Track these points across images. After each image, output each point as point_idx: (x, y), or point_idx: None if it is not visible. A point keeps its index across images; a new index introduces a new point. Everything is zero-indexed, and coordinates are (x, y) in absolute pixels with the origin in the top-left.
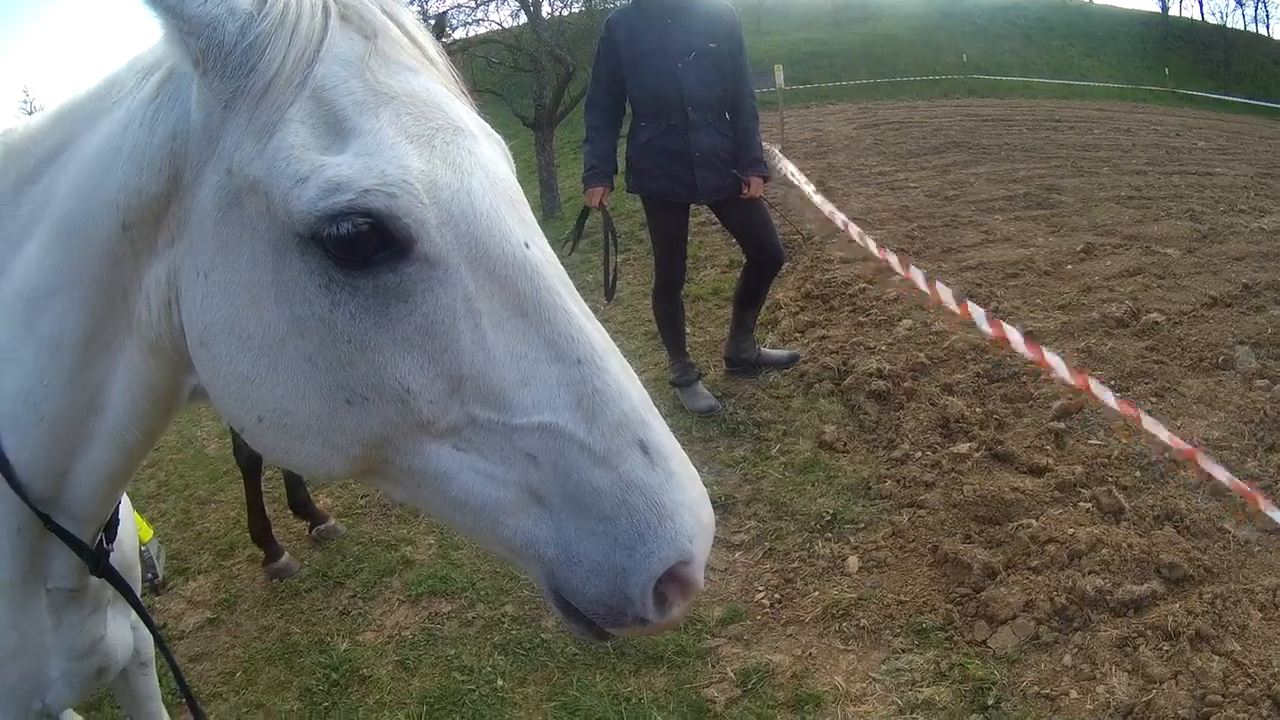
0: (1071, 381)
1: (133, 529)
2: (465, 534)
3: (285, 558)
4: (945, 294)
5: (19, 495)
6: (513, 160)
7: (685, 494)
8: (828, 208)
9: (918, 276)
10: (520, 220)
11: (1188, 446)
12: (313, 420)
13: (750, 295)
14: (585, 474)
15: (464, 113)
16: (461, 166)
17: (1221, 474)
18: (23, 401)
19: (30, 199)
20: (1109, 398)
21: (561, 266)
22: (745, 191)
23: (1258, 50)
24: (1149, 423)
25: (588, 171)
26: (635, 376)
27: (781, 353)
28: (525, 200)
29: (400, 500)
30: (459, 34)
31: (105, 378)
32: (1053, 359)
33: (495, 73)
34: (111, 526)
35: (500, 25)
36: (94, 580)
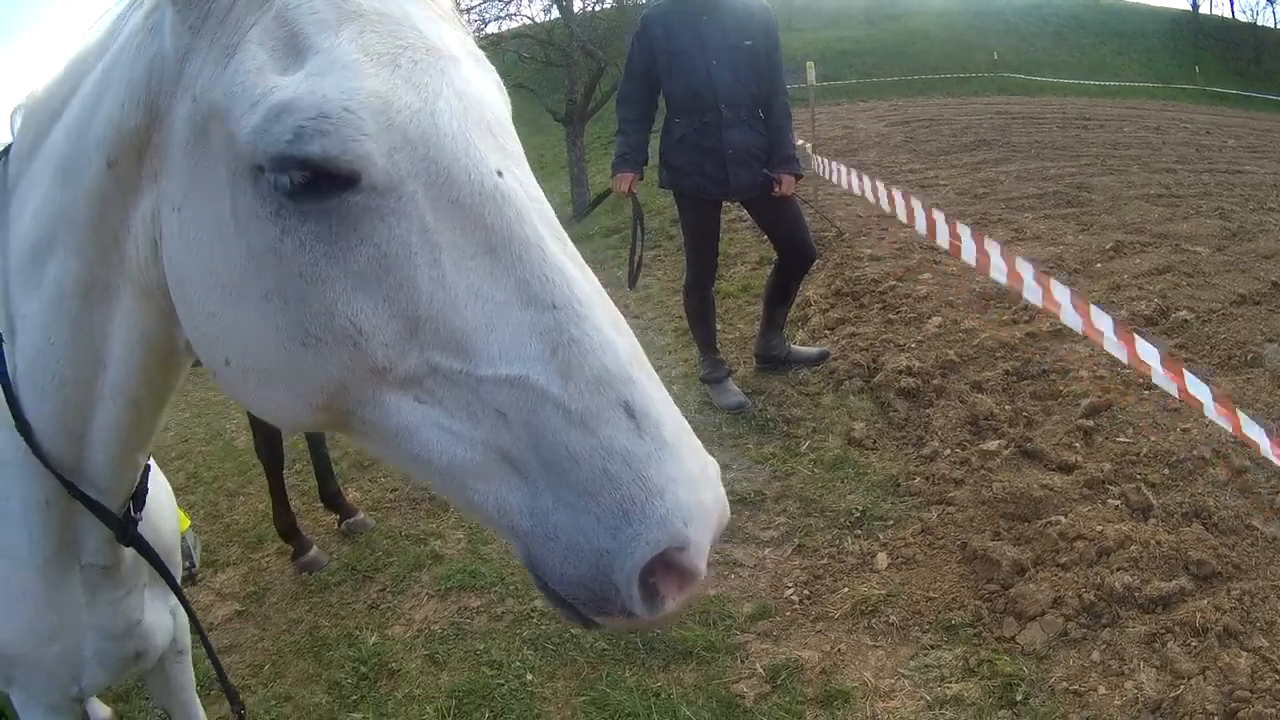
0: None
1: (173, 514)
2: (444, 496)
3: (314, 551)
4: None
5: (42, 462)
6: (508, 96)
7: (679, 468)
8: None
9: (1104, 323)
10: (498, 148)
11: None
12: (275, 364)
13: (781, 292)
14: (561, 436)
15: (448, 35)
16: (427, 87)
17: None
18: (35, 360)
19: (42, 153)
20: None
21: (545, 202)
22: (777, 190)
23: None
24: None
25: (618, 159)
26: (626, 328)
27: (811, 350)
28: (511, 130)
29: (376, 457)
30: (491, 28)
31: (105, 329)
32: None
33: (527, 68)
34: (139, 496)
35: (532, 20)
36: (128, 557)
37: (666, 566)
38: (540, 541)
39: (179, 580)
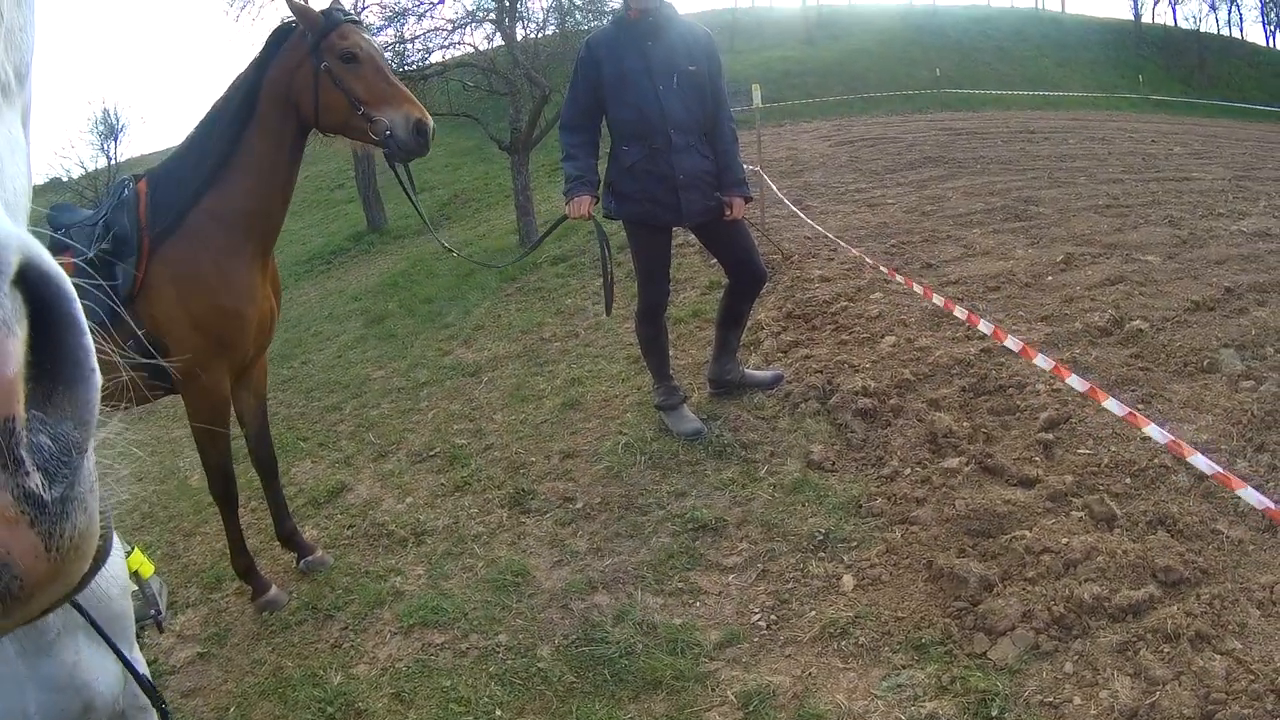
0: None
1: (120, 573)
2: None
3: (274, 590)
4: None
5: None
6: None
7: None
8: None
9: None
10: None
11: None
12: None
13: (733, 316)
14: None
15: None
16: None
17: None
18: None
19: None
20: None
21: None
22: (728, 213)
23: (1231, 54)
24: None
25: (572, 183)
26: None
27: (765, 373)
28: None
29: None
30: (435, 57)
31: None
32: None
33: (470, 97)
34: None
35: (475, 48)
36: None
37: None
38: None
39: (132, 634)
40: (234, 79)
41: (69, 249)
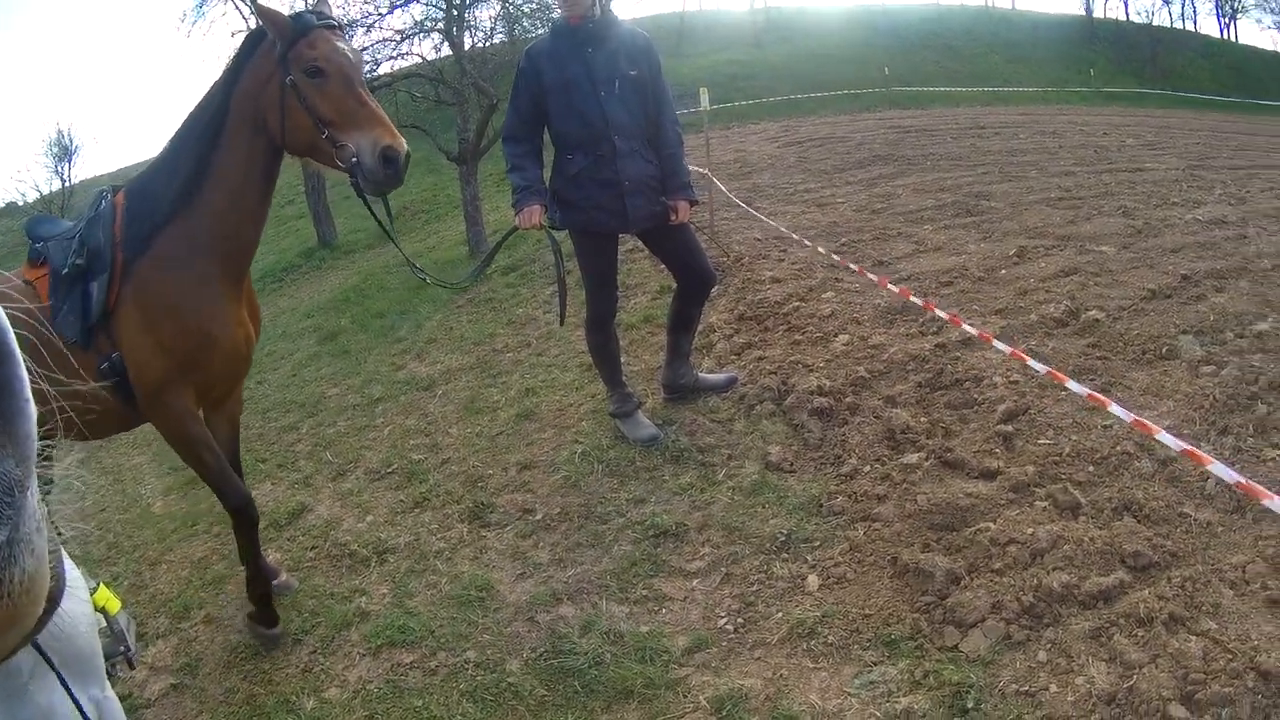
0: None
1: (86, 610)
2: None
3: (279, 628)
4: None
5: None
6: None
7: None
8: None
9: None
10: None
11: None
12: None
13: (683, 320)
14: None
15: None
16: None
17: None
18: None
19: None
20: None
21: None
22: (674, 217)
23: (1185, 46)
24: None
25: (521, 192)
26: None
27: (719, 376)
28: None
29: None
30: (384, 69)
31: None
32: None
33: (419, 108)
34: None
35: (423, 59)
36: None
37: None
38: None
39: (124, 663)
40: (209, 88)
41: (45, 263)
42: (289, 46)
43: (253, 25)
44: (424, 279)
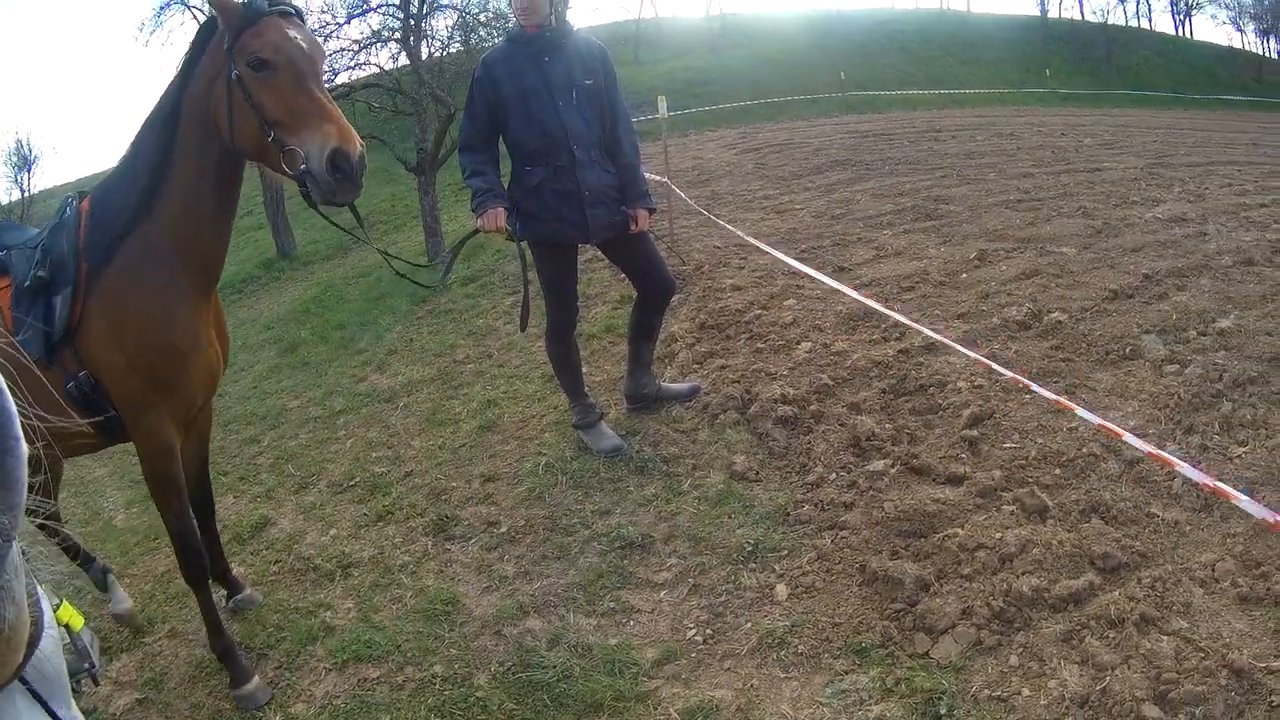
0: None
1: (52, 634)
2: None
3: (255, 682)
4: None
5: None
6: None
7: None
8: None
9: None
10: None
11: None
12: None
13: (644, 329)
14: None
15: None
16: None
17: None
18: None
19: None
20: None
21: None
22: (634, 227)
23: (1140, 45)
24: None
25: (482, 195)
26: None
27: (682, 386)
28: None
29: None
30: (341, 79)
31: None
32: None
33: (377, 117)
34: None
35: (381, 69)
36: None
37: None
38: None
39: (70, 690)
40: (165, 87)
41: (7, 273)
42: (235, 36)
43: None
44: (402, 274)
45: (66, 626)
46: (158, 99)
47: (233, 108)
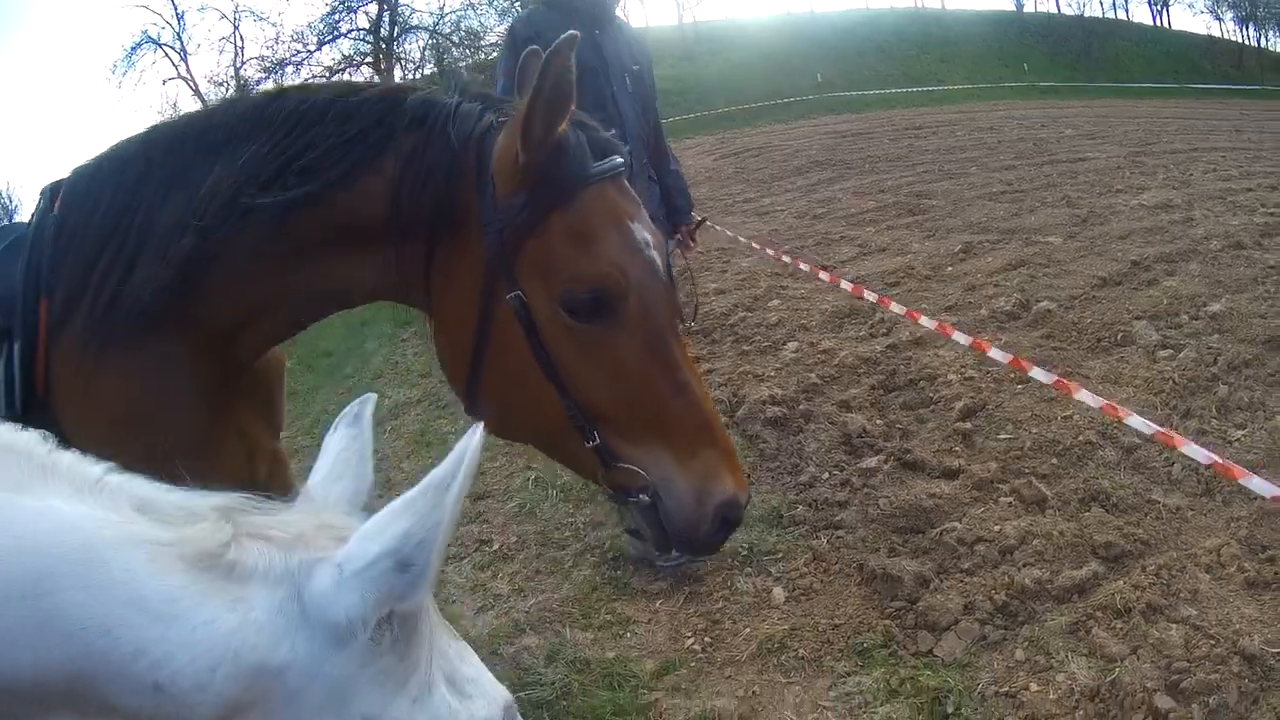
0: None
1: None
2: None
3: None
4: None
5: None
6: None
7: None
8: None
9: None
10: None
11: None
12: None
13: None
14: None
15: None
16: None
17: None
18: None
19: None
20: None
21: None
22: (691, 244)
23: (1118, 35)
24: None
25: None
26: None
27: None
28: None
29: None
30: None
31: None
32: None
33: None
34: None
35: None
36: None
37: None
38: None
39: None
40: None
41: None
42: (536, 209)
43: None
44: None
45: None
46: None
47: (489, 337)
